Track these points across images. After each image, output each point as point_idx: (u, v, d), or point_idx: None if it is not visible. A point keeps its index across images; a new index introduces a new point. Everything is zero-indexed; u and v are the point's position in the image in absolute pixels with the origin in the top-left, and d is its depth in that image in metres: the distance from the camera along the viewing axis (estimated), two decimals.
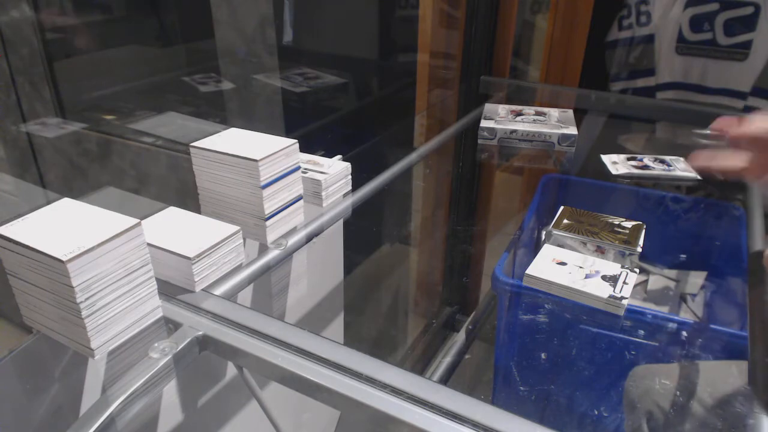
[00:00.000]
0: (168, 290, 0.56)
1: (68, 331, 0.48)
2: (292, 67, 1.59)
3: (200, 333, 0.51)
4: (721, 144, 1.19)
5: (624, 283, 0.76)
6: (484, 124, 1.12)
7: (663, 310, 1.15)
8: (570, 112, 1.19)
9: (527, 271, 0.79)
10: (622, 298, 0.73)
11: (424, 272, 1.74)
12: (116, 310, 0.49)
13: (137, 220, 0.49)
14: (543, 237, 0.89)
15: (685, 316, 1.12)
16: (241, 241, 0.61)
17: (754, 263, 0.69)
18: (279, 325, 0.51)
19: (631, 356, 0.89)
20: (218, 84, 1.59)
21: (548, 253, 0.83)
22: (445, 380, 1.20)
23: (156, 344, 0.49)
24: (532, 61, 1.80)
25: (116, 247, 0.47)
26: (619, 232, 0.86)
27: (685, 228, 1.18)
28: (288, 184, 0.67)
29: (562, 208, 0.93)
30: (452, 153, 1.43)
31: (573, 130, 1.10)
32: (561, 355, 0.96)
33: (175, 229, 0.59)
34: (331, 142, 1.60)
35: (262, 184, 0.63)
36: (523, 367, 1.00)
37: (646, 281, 1.21)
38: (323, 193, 0.74)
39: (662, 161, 1.05)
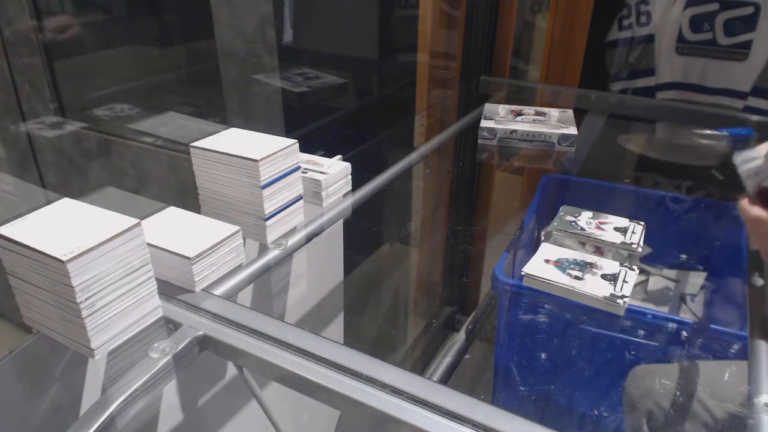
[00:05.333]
0: (168, 290, 0.56)
1: (68, 331, 0.48)
2: (292, 67, 1.59)
3: (200, 333, 0.51)
4: (722, 144, 1.20)
5: (624, 281, 0.76)
6: (484, 124, 1.12)
7: (663, 310, 1.15)
8: (570, 112, 1.19)
9: (526, 270, 0.78)
10: (623, 296, 0.73)
11: (424, 272, 1.74)
12: (116, 310, 0.49)
13: (137, 220, 0.49)
14: (543, 237, 0.89)
15: (685, 316, 1.12)
16: (241, 241, 0.61)
17: (754, 262, 0.69)
18: (279, 325, 0.51)
19: (631, 356, 0.89)
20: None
21: (547, 252, 0.83)
22: (445, 380, 1.20)
23: (156, 344, 0.49)
24: (532, 61, 1.79)
25: (116, 247, 0.47)
26: (619, 232, 0.86)
27: (685, 228, 1.18)
28: (288, 184, 0.67)
29: (562, 207, 0.93)
30: (452, 153, 1.43)
31: (573, 130, 1.10)
32: (561, 355, 0.96)
33: (175, 229, 0.59)
34: (331, 142, 1.60)
35: (262, 184, 0.63)
36: (523, 367, 1.00)
37: (646, 281, 1.21)
38: (323, 193, 0.74)
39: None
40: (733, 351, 0.80)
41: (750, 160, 0.54)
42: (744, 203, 0.56)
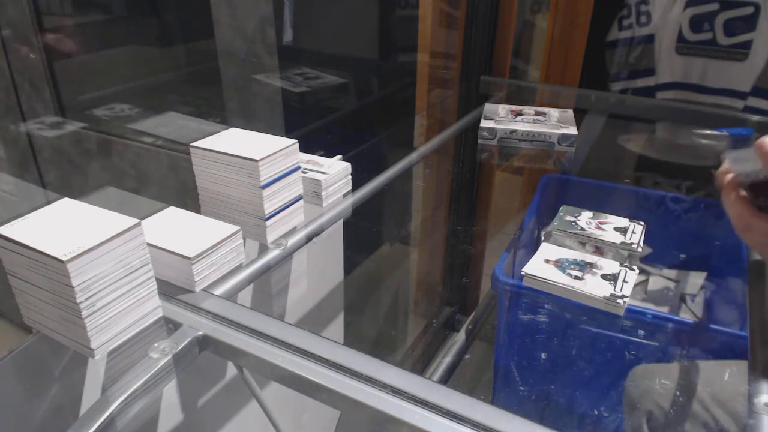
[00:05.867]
0: (168, 290, 0.56)
1: (68, 331, 0.48)
2: (292, 67, 1.60)
3: (200, 333, 0.51)
4: (722, 144, 1.19)
5: (624, 281, 0.76)
6: (484, 124, 1.12)
7: (663, 310, 1.15)
8: (570, 112, 1.19)
9: (526, 270, 0.78)
10: (623, 296, 0.73)
11: (424, 272, 1.74)
12: (116, 310, 0.49)
13: (137, 220, 0.49)
14: (543, 237, 0.89)
15: (685, 316, 1.12)
16: (241, 241, 0.61)
17: (754, 263, 0.69)
18: (279, 325, 0.51)
19: (631, 356, 0.89)
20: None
21: (547, 252, 0.83)
22: (445, 380, 1.20)
23: (156, 344, 0.49)
24: (532, 61, 1.80)
25: (116, 247, 0.47)
26: (619, 232, 0.86)
27: (685, 228, 1.18)
28: (288, 184, 0.67)
29: (562, 208, 0.93)
30: (452, 153, 1.43)
31: (573, 130, 1.10)
32: (561, 355, 0.96)
33: (175, 229, 0.59)
34: (331, 142, 1.60)
35: (262, 184, 0.63)
36: (523, 367, 1.00)
37: (646, 281, 1.21)
38: (323, 193, 0.74)
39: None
40: (733, 351, 0.80)
41: (743, 161, 0.54)
42: (728, 195, 0.55)
